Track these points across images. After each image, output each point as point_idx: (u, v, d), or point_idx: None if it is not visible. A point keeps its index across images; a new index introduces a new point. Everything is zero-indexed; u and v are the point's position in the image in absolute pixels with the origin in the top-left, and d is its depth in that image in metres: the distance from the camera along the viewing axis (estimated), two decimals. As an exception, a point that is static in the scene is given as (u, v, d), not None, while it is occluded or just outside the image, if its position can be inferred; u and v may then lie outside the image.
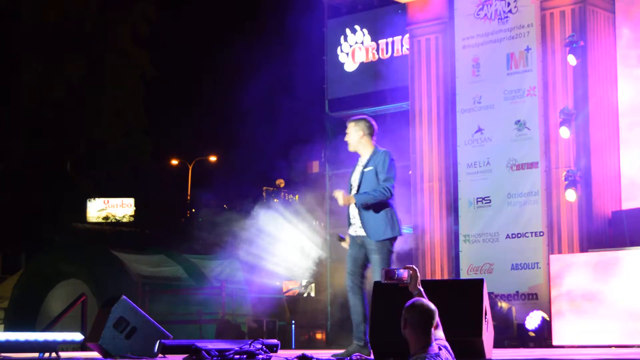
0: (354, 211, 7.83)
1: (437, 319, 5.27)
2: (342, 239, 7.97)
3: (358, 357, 6.89)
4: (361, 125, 7.93)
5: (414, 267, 5.85)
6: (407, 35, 15.76)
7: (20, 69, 26.31)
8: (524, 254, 13.55)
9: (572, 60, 13.08)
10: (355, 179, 7.90)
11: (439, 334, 5.33)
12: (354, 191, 7.84)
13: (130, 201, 33.97)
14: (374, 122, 8.05)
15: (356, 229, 7.83)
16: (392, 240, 7.78)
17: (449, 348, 5.29)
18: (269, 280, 18.43)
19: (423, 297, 5.67)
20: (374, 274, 7.64)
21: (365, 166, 7.84)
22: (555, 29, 13.49)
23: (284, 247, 17.31)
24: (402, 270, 5.76)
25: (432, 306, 5.22)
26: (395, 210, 7.82)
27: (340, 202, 7.70)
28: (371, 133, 7.93)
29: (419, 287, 5.74)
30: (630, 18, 13.55)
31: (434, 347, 5.15)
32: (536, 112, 13.68)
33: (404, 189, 14.92)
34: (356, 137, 7.91)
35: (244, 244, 17.33)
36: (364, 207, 7.68)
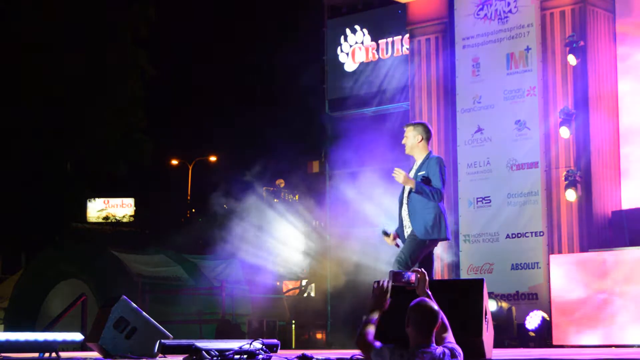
0: (404, 213, 8.04)
1: (443, 321, 5.30)
2: (386, 234, 8.06)
3: (359, 357, 6.88)
4: (419, 130, 8.18)
5: (422, 270, 5.83)
6: (407, 35, 15.76)
7: (20, 69, 26.30)
8: (524, 254, 13.55)
9: (572, 60, 13.08)
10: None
11: (448, 337, 5.35)
12: (405, 194, 8.06)
13: (130, 201, 33.97)
14: (430, 128, 8.32)
15: (407, 230, 8.01)
16: (434, 241, 7.94)
17: (458, 351, 5.28)
18: (269, 280, 18.44)
19: (430, 300, 5.66)
20: (399, 252, 7.94)
21: (419, 170, 8.06)
22: (555, 29, 13.49)
23: (284, 247, 17.32)
24: (409, 273, 5.75)
25: (436, 308, 5.23)
26: (445, 215, 7.98)
27: (400, 179, 7.86)
28: (428, 138, 8.19)
29: (426, 290, 5.73)
30: (630, 17, 13.56)
31: (432, 347, 5.17)
32: (536, 112, 13.68)
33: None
34: (414, 141, 8.16)
35: (244, 243, 17.34)
36: (415, 194, 7.90)
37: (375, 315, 5.49)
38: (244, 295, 18.23)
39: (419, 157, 8.17)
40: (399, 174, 7.90)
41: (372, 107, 16.67)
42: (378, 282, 5.61)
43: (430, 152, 8.18)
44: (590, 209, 13.03)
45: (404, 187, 8.12)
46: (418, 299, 5.32)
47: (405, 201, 8.06)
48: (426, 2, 15.07)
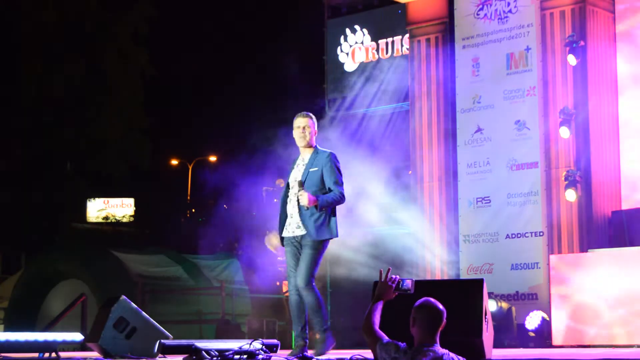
0: (292, 210, 7.68)
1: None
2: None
3: (358, 357, 6.89)
4: (315, 122, 7.79)
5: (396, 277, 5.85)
6: (407, 35, 15.76)
7: (20, 69, 26.31)
8: (524, 254, 13.54)
9: (572, 60, 13.07)
10: (296, 179, 7.68)
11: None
12: (295, 188, 7.64)
13: (130, 201, 33.97)
14: None
15: (294, 229, 7.66)
16: (328, 240, 7.65)
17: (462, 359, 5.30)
18: (269, 280, 18.44)
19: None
20: (300, 267, 7.56)
21: (311, 166, 7.66)
22: (555, 29, 13.49)
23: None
24: (407, 281, 5.78)
25: (441, 307, 5.25)
26: (333, 212, 7.64)
27: (305, 202, 7.48)
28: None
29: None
30: (630, 17, 13.56)
31: (436, 347, 5.18)
32: (536, 112, 13.68)
33: (403, 189, 14.92)
34: (311, 133, 7.72)
35: (243, 243, 17.34)
36: (318, 209, 7.51)
37: (380, 304, 5.58)
38: (244, 295, 18.23)
39: (309, 151, 7.72)
40: (305, 198, 7.48)
41: (372, 107, 16.66)
42: (387, 276, 5.70)
43: (316, 146, 7.73)
44: (590, 209, 13.02)
45: (289, 183, 7.72)
46: (423, 299, 5.34)
47: (292, 199, 7.68)
48: (426, 2, 15.07)
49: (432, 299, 5.36)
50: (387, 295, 5.68)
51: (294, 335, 7.79)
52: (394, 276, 5.75)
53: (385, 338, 5.38)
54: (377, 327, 5.49)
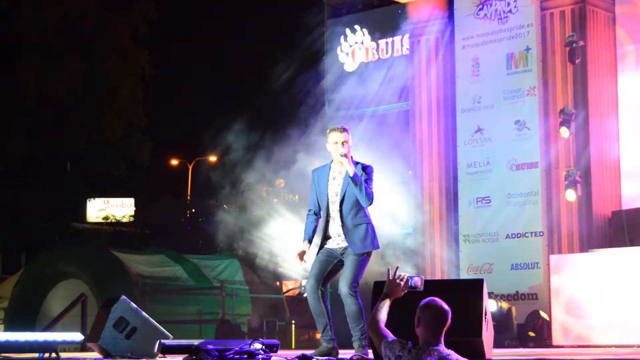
0: (337, 229, 7.55)
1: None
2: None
3: (358, 357, 6.89)
4: (350, 134, 7.61)
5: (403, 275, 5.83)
6: (407, 35, 15.77)
7: (20, 69, 26.30)
8: (524, 254, 13.55)
9: (572, 60, 13.08)
10: (337, 190, 7.56)
11: None
12: (336, 203, 7.53)
13: (130, 201, 33.97)
14: None
15: (338, 242, 7.57)
16: (371, 253, 7.60)
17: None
18: (269, 280, 18.42)
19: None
20: (345, 274, 7.56)
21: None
22: (555, 29, 13.50)
23: (285, 247, 17.32)
24: (415, 279, 5.77)
25: (446, 307, 5.24)
26: (373, 225, 7.57)
27: (348, 164, 7.35)
28: None
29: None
30: (630, 17, 13.56)
31: (440, 346, 5.17)
32: (536, 112, 13.68)
33: (402, 189, 14.92)
34: (350, 146, 7.59)
35: (244, 243, 17.32)
36: (355, 182, 7.38)
37: (387, 303, 5.56)
38: (244, 295, 18.24)
39: (350, 164, 7.46)
40: (345, 160, 7.36)
41: (372, 107, 16.66)
42: (395, 274, 5.69)
43: (352, 157, 7.58)
44: (590, 209, 13.03)
45: (329, 194, 7.55)
46: (428, 298, 5.33)
47: (336, 217, 7.54)
48: (426, 2, 15.08)
49: (437, 299, 5.33)
50: (395, 293, 5.65)
51: (321, 337, 7.80)
52: (402, 274, 5.73)
53: (391, 336, 5.37)
54: (383, 325, 5.48)
